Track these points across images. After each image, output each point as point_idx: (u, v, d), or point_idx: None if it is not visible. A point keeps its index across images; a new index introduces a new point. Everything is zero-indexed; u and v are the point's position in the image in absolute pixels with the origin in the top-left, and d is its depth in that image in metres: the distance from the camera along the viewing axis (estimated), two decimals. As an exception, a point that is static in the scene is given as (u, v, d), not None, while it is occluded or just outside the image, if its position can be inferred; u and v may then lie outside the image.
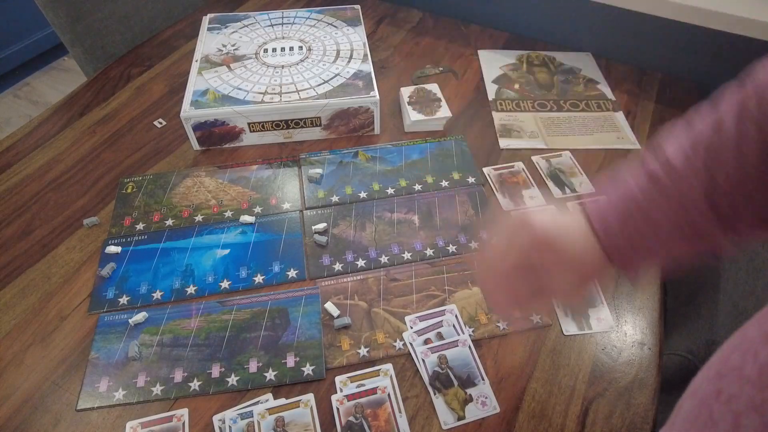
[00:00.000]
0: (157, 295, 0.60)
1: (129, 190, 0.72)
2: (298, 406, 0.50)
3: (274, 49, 0.84)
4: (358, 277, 0.62)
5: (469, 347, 0.55)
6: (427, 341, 0.55)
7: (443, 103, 0.80)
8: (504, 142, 0.78)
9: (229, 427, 0.49)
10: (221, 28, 0.88)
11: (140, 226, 0.67)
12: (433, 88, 0.83)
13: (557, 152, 0.76)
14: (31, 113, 2.00)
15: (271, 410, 0.50)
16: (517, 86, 0.88)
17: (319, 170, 0.74)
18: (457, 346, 0.55)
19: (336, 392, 0.51)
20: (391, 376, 0.53)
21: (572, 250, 0.41)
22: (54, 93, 2.11)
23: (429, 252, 0.64)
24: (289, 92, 0.75)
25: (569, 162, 0.74)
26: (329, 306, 0.58)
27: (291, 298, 0.59)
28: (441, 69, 0.91)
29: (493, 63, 0.92)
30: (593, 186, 0.71)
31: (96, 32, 0.96)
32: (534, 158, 0.75)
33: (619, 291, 0.60)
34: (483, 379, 0.52)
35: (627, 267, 0.42)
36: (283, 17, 0.91)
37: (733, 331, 0.73)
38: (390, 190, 0.71)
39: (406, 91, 0.82)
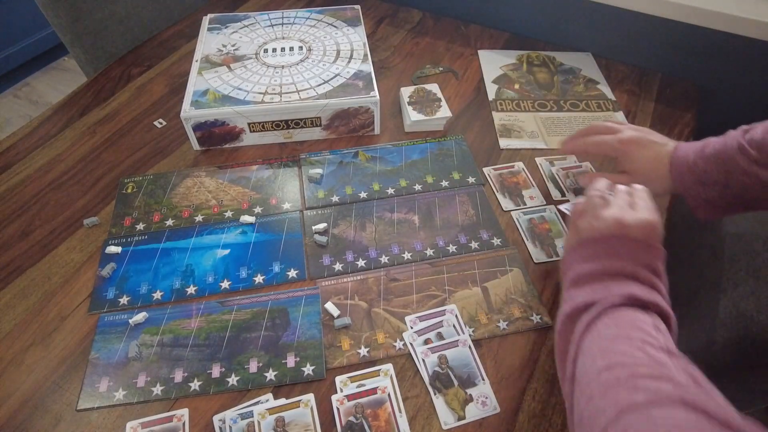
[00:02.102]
0: (158, 295, 0.60)
1: (129, 190, 0.72)
2: (299, 406, 0.50)
3: (274, 50, 0.84)
4: (358, 277, 0.62)
5: (469, 347, 0.55)
6: (427, 341, 0.55)
7: (443, 103, 0.80)
8: (504, 142, 0.78)
9: (230, 427, 0.49)
10: (221, 28, 0.88)
11: (140, 226, 0.67)
12: (433, 88, 0.83)
13: (561, 155, 0.75)
14: (31, 113, 2.00)
15: (271, 410, 0.50)
16: (517, 86, 0.88)
17: (319, 170, 0.74)
18: (457, 346, 0.55)
19: (336, 392, 0.52)
20: (391, 376, 0.53)
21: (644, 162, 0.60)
22: (54, 93, 2.11)
23: (429, 252, 0.64)
24: (289, 92, 0.75)
25: (571, 165, 0.74)
26: (329, 306, 0.58)
27: (291, 298, 0.59)
28: (441, 69, 0.91)
29: (493, 63, 0.93)
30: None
31: (96, 32, 0.96)
32: (537, 159, 0.75)
33: (619, 291, 0.60)
34: (483, 379, 0.52)
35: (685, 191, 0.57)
36: (283, 17, 0.91)
37: (733, 331, 0.74)
38: (390, 190, 0.71)
39: (406, 91, 0.82)
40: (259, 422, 0.49)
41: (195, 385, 0.53)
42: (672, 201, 0.70)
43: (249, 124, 0.75)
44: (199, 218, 0.68)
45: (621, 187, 0.52)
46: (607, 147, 0.63)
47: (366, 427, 0.49)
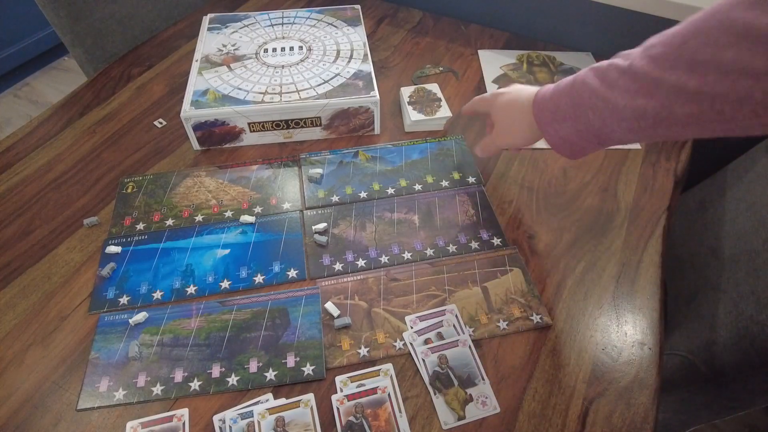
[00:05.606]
0: (158, 295, 0.60)
1: (129, 190, 0.72)
2: (299, 406, 0.50)
3: (274, 49, 0.84)
4: (359, 277, 0.62)
5: (470, 347, 0.55)
6: (427, 341, 0.55)
7: (443, 103, 0.80)
8: (504, 142, 0.78)
9: (230, 427, 0.49)
10: (221, 28, 0.88)
11: (140, 226, 0.67)
12: (433, 88, 0.83)
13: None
14: (31, 113, 2.00)
15: (271, 410, 0.50)
16: (517, 86, 0.88)
17: (319, 170, 0.74)
18: (458, 346, 0.55)
19: (336, 392, 0.52)
20: (391, 376, 0.53)
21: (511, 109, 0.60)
22: (54, 93, 2.11)
23: (429, 252, 0.64)
24: (289, 92, 0.75)
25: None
26: (329, 306, 0.58)
27: (291, 298, 0.59)
28: (441, 69, 0.91)
29: (493, 63, 0.92)
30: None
31: (96, 32, 0.96)
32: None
33: (619, 291, 0.60)
34: (483, 379, 0.52)
35: (546, 130, 0.55)
36: (283, 17, 0.91)
37: (733, 331, 0.74)
38: (390, 190, 0.71)
39: (406, 91, 0.82)
40: (259, 422, 0.49)
41: (195, 384, 0.53)
42: (671, 202, 0.70)
43: (249, 123, 0.75)
44: (199, 218, 0.68)
45: None
46: (484, 102, 0.66)
47: (366, 427, 0.49)
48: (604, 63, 0.48)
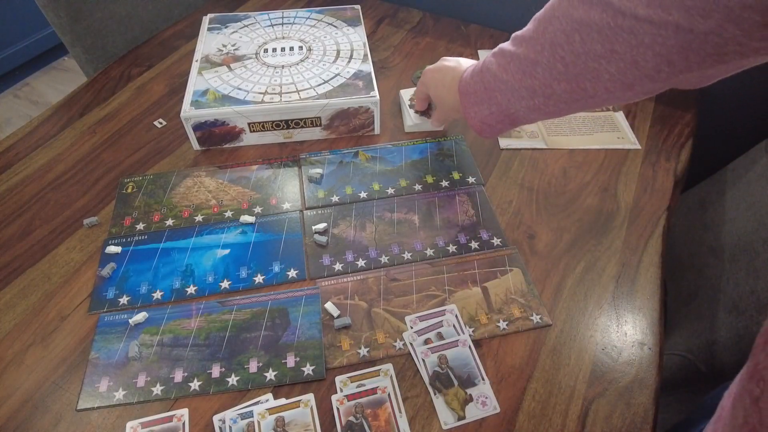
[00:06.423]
0: (157, 295, 0.60)
1: (129, 190, 0.72)
2: (298, 406, 0.50)
3: (274, 49, 0.84)
4: (358, 277, 0.62)
5: (469, 347, 0.55)
6: (427, 341, 0.55)
7: (443, 103, 0.80)
8: (504, 142, 0.78)
9: (230, 427, 0.49)
10: (221, 28, 0.88)
11: (140, 226, 0.67)
12: (433, 88, 0.83)
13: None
14: (31, 113, 2.00)
15: (271, 410, 0.50)
16: (517, 86, 0.88)
17: (319, 170, 0.74)
18: (458, 346, 0.55)
19: (336, 392, 0.52)
20: (391, 376, 0.53)
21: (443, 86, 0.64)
22: (54, 93, 2.11)
23: (429, 252, 0.64)
24: (289, 92, 0.75)
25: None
26: (329, 306, 0.58)
27: (291, 298, 0.59)
28: (441, 69, 0.91)
29: (493, 63, 0.92)
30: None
31: (96, 32, 0.96)
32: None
33: (619, 291, 0.60)
34: (483, 379, 0.52)
35: (467, 111, 0.59)
36: (283, 17, 0.91)
37: (733, 331, 0.74)
38: (390, 190, 0.71)
39: (406, 94, 0.82)
40: (259, 422, 0.49)
41: (195, 385, 0.53)
42: (671, 202, 0.70)
43: (249, 124, 0.75)
44: (199, 218, 0.68)
45: None
46: (421, 86, 0.71)
47: (366, 427, 0.49)
48: (500, 47, 0.53)
